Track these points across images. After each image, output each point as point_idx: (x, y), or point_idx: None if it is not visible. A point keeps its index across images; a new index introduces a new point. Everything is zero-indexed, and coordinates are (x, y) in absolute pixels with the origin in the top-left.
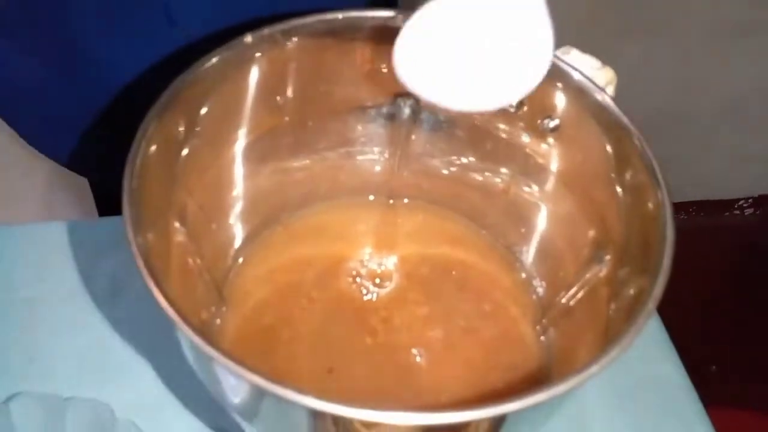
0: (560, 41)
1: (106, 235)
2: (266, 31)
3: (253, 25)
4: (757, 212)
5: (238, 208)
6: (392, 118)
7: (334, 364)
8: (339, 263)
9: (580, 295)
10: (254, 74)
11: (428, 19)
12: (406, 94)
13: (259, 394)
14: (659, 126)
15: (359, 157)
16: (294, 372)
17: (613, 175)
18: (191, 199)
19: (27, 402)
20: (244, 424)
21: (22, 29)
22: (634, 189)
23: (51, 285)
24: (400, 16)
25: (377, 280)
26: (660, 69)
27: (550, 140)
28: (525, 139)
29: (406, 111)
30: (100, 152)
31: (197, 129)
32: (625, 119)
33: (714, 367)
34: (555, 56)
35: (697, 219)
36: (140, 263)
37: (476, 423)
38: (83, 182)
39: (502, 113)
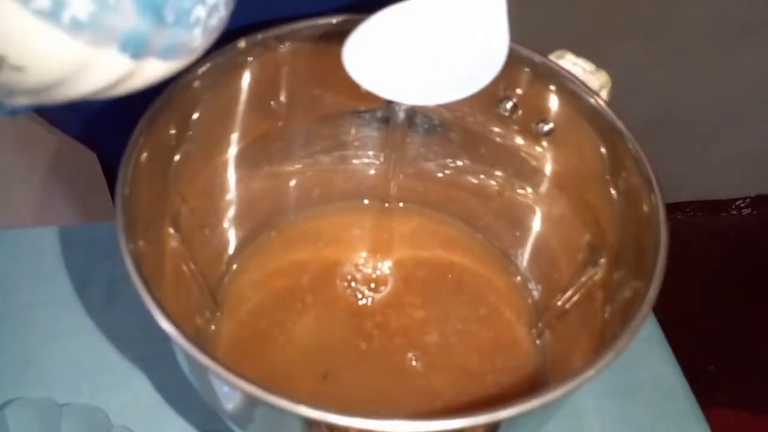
0: (555, 44)
1: (101, 240)
2: (259, 36)
3: (245, 30)
4: (755, 212)
5: (231, 212)
6: (386, 121)
7: (329, 370)
8: (333, 268)
9: (575, 298)
10: (247, 79)
11: (383, 19)
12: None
13: (252, 402)
14: (656, 126)
15: (353, 161)
16: (289, 378)
17: (607, 177)
18: (185, 205)
19: (22, 408)
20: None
21: None
22: (628, 192)
23: (46, 290)
24: None
25: (372, 285)
26: (657, 69)
27: (544, 143)
28: (519, 142)
29: (401, 115)
30: (108, 124)
31: (190, 134)
32: (619, 123)
33: (712, 367)
34: (549, 60)
35: (695, 219)
36: (132, 272)
37: (471, 429)
38: (77, 185)
39: (497, 117)
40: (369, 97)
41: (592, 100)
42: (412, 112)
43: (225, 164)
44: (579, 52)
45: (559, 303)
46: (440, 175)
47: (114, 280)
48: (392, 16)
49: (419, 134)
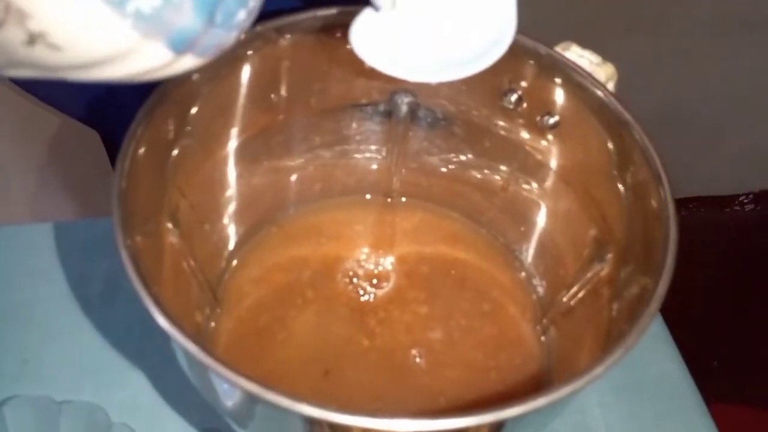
0: (560, 37)
1: (100, 236)
2: (259, 28)
3: None
4: (758, 208)
5: (231, 208)
6: (389, 115)
7: (331, 367)
8: (335, 263)
9: (581, 294)
10: (247, 72)
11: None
12: (403, 91)
13: (252, 400)
14: (660, 122)
15: (355, 155)
16: (290, 375)
17: (614, 172)
18: (184, 200)
19: (21, 405)
20: (239, 429)
21: None
22: (636, 186)
23: (44, 287)
24: None
25: (374, 281)
26: (662, 64)
27: (550, 137)
28: (524, 135)
29: (404, 108)
30: (112, 104)
31: (188, 128)
32: (626, 115)
33: (715, 362)
34: (555, 52)
35: (698, 215)
36: (130, 268)
37: (476, 428)
38: (75, 179)
39: (501, 110)
40: (371, 90)
41: (598, 92)
42: (415, 105)
43: (225, 159)
44: (585, 44)
45: (565, 299)
46: (444, 169)
47: (112, 276)
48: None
49: (422, 128)
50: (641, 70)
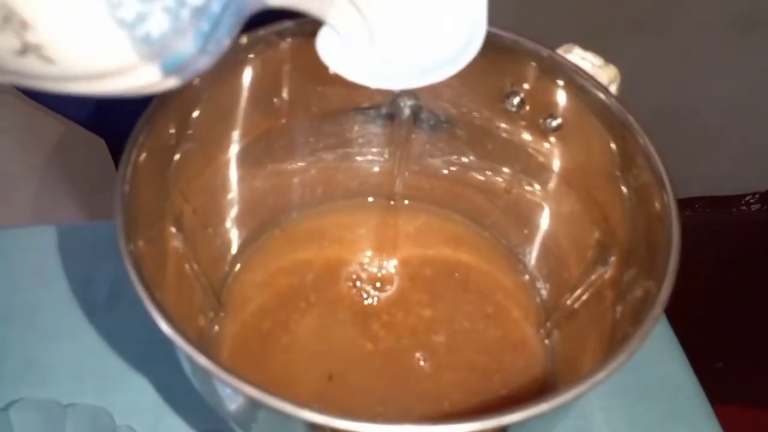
0: (562, 38)
1: (104, 239)
2: (261, 32)
3: (247, 26)
4: (764, 207)
5: (234, 212)
6: (391, 118)
7: (334, 371)
8: (338, 267)
9: (584, 297)
10: (249, 76)
11: None
12: (405, 94)
13: (255, 405)
14: (665, 122)
15: (358, 159)
16: (293, 379)
17: (617, 174)
18: (187, 204)
19: (27, 408)
20: None
21: None
22: (638, 189)
23: (49, 290)
24: None
25: (377, 284)
26: (666, 64)
27: (552, 139)
28: (527, 138)
29: (406, 111)
30: (116, 110)
31: (190, 132)
32: (629, 117)
33: (720, 363)
34: (557, 54)
35: (704, 215)
36: (132, 273)
37: None
38: (77, 185)
39: (504, 113)
40: (372, 93)
41: (601, 95)
42: (418, 108)
43: (227, 163)
44: (587, 47)
45: (568, 302)
46: (446, 172)
47: (117, 279)
48: None
49: (424, 131)
50: (646, 69)
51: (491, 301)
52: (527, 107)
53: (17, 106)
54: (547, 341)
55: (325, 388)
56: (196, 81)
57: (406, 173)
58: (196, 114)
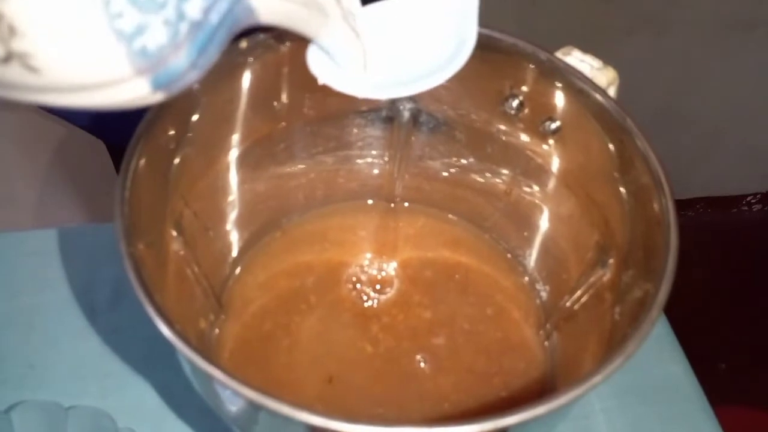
0: (561, 41)
1: (105, 242)
2: (261, 36)
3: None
4: (765, 208)
5: (235, 214)
6: (391, 120)
7: (334, 373)
8: (338, 269)
9: (584, 299)
10: (248, 80)
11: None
12: (405, 98)
13: (255, 407)
14: (666, 122)
15: (357, 161)
16: (293, 381)
17: (616, 176)
18: (187, 208)
19: (28, 410)
20: None
21: None
22: (637, 191)
23: (50, 292)
24: None
25: (378, 286)
26: (666, 65)
27: (551, 142)
28: (526, 140)
29: (406, 114)
30: (116, 113)
31: (190, 136)
32: (627, 121)
33: (723, 365)
34: (555, 57)
35: (705, 216)
36: (133, 277)
37: None
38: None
39: (503, 115)
40: None
41: (599, 98)
42: (417, 111)
43: (227, 166)
44: (586, 49)
45: (568, 304)
46: (446, 174)
47: (119, 282)
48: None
49: (424, 133)
50: (645, 71)
51: (491, 302)
52: (526, 110)
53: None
54: (546, 343)
55: (326, 390)
56: (196, 86)
57: (406, 176)
58: (195, 118)
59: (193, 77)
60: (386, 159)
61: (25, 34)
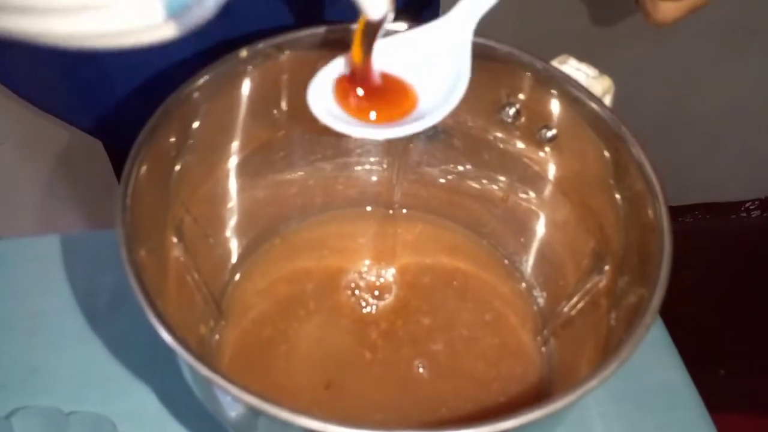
0: (557, 50)
1: (107, 248)
2: (260, 45)
3: (246, 39)
4: (764, 214)
5: (234, 221)
6: None
7: (333, 379)
8: (337, 275)
9: (580, 305)
10: (248, 88)
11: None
12: None
13: (254, 412)
14: (664, 128)
15: (356, 168)
16: (292, 387)
17: (611, 183)
18: (188, 215)
19: (29, 416)
20: None
21: None
22: (632, 198)
23: (52, 298)
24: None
25: (376, 293)
26: (663, 71)
27: (548, 149)
28: (522, 148)
29: None
30: (119, 114)
31: (191, 143)
32: (622, 129)
33: (722, 371)
34: (551, 66)
35: (704, 222)
36: (134, 283)
37: None
38: (81, 194)
39: (500, 123)
40: None
41: (595, 106)
42: None
43: (227, 173)
44: (582, 57)
45: (565, 310)
46: (443, 181)
47: (119, 287)
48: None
49: (422, 140)
50: (642, 77)
51: (489, 308)
52: (523, 118)
53: (21, 115)
54: (544, 348)
55: (324, 396)
56: (196, 93)
57: (404, 182)
58: (196, 125)
59: (202, 16)
60: (385, 166)
61: None
